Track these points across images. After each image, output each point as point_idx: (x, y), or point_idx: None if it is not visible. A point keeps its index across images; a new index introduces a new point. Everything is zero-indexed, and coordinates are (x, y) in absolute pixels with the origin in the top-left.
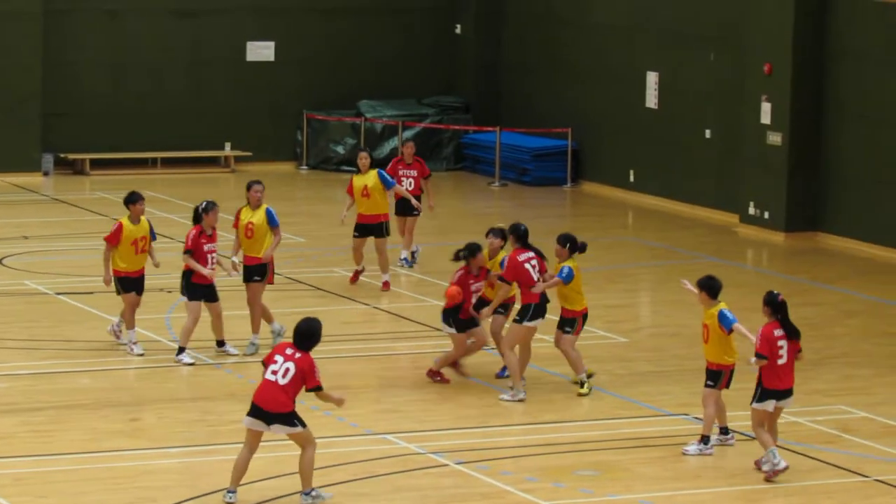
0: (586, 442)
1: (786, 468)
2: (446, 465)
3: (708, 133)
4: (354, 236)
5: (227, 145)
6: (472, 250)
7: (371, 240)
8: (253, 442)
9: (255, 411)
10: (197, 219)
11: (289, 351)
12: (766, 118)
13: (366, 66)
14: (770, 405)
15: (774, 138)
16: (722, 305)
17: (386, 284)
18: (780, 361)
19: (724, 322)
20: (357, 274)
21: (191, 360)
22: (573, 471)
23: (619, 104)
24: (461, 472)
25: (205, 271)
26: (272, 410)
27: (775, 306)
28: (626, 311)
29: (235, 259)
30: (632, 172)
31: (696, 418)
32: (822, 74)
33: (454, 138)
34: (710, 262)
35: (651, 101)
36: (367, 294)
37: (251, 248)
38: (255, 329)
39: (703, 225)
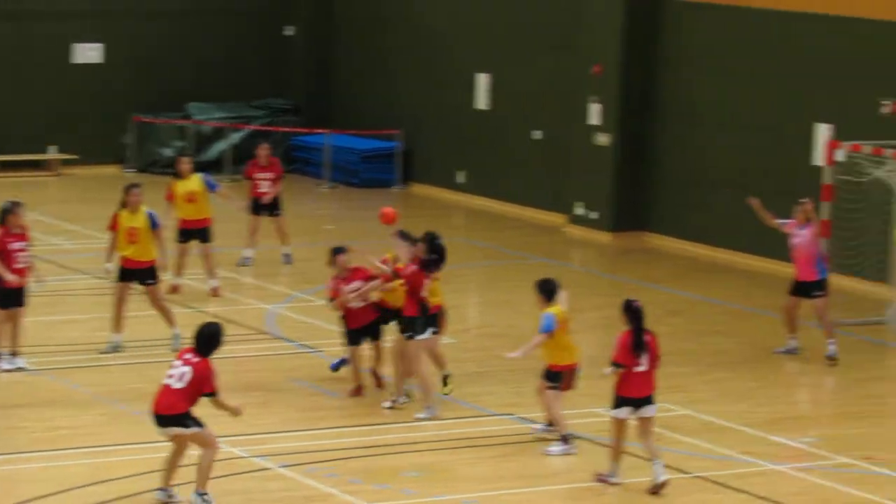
0: (411, 443)
1: (664, 483)
2: (270, 468)
3: (537, 134)
4: (178, 241)
5: (53, 148)
6: (334, 252)
7: (195, 244)
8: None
9: (153, 418)
10: (2, 220)
11: (188, 356)
12: (594, 119)
13: (195, 69)
14: (623, 412)
15: (602, 139)
16: (552, 309)
17: (215, 290)
18: (638, 369)
19: (541, 326)
20: (175, 288)
21: (10, 367)
22: (398, 472)
23: (449, 106)
24: (286, 476)
25: (9, 276)
26: (164, 413)
27: (630, 313)
28: (454, 312)
29: (109, 266)
30: (461, 174)
31: (522, 418)
32: (650, 77)
33: (284, 140)
34: (539, 263)
35: (481, 102)
36: (194, 298)
37: (138, 252)
38: (173, 323)
39: (531, 225)
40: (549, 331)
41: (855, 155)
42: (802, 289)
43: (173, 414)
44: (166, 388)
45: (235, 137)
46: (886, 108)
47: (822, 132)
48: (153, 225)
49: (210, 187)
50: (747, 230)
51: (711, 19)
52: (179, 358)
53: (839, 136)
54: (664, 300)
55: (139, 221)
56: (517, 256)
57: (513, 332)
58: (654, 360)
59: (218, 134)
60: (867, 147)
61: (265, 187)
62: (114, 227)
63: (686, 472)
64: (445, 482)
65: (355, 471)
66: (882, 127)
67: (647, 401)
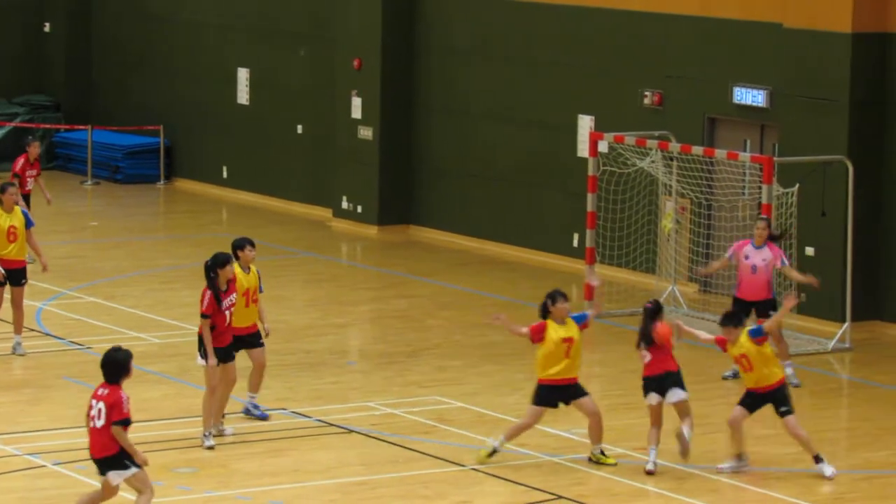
0: (184, 439)
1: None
2: (44, 465)
3: (300, 128)
4: None
5: None
6: (220, 262)
7: None
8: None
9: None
10: None
11: (100, 391)
12: (356, 113)
13: None
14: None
15: (365, 133)
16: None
17: None
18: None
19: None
20: None
21: None
22: (171, 468)
23: (212, 101)
24: (59, 473)
25: None
26: (99, 457)
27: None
28: None
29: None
30: (225, 169)
31: (294, 412)
32: (410, 69)
33: (46, 137)
34: (306, 258)
35: (242, 97)
36: None
37: (18, 251)
38: (20, 330)
39: (298, 220)
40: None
41: (618, 146)
42: (755, 309)
43: (109, 455)
44: (92, 430)
45: None
46: (647, 98)
47: (585, 123)
48: (28, 223)
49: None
50: (513, 223)
51: (473, 9)
52: (94, 397)
53: (602, 128)
54: (433, 293)
55: (18, 220)
56: (284, 251)
57: (282, 326)
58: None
59: None
60: (630, 138)
61: (31, 185)
62: None
63: (462, 465)
64: (219, 477)
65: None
66: (643, 118)
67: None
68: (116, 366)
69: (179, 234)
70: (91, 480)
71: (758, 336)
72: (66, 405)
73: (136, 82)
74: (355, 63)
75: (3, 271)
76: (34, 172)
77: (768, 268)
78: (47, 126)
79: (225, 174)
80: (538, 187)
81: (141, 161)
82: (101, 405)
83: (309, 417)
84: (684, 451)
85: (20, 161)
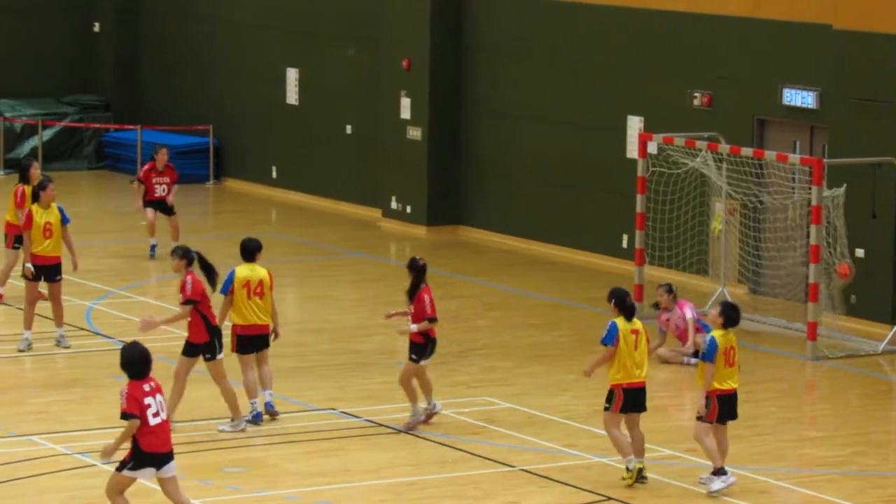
0: (233, 439)
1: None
2: (94, 464)
3: (349, 128)
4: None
5: None
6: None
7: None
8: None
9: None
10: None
11: (151, 385)
12: (405, 113)
13: (4, 65)
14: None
15: (414, 133)
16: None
17: None
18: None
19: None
20: None
21: None
22: (220, 468)
23: (261, 101)
24: (109, 472)
25: None
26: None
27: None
28: None
29: (30, 265)
30: (274, 169)
31: (344, 412)
32: (459, 70)
33: (95, 137)
34: (355, 258)
35: (291, 97)
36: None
37: (53, 248)
38: (61, 323)
39: (347, 220)
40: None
41: (667, 147)
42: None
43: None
44: (165, 423)
45: (47, 134)
46: (697, 99)
47: (634, 124)
48: (64, 220)
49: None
50: (561, 223)
51: (522, 9)
52: (150, 393)
53: (651, 129)
54: (480, 293)
55: (54, 216)
56: (333, 251)
57: (330, 326)
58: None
59: (29, 130)
60: (679, 139)
61: (161, 192)
62: (28, 224)
63: (511, 466)
64: (268, 478)
65: (178, 466)
66: (692, 119)
67: None
68: (128, 361)
69: (228, 233)
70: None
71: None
72: (115, 404)
73: (185, 82)
74: (404, 63)
75: (30, 267)
76: (165, 180)
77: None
78: (97, 126)
79: (274, 174)
80: (587, 188)
81: (190, 161)
82: (160, 398)
83: (358, 417)
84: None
85: (146, 168)
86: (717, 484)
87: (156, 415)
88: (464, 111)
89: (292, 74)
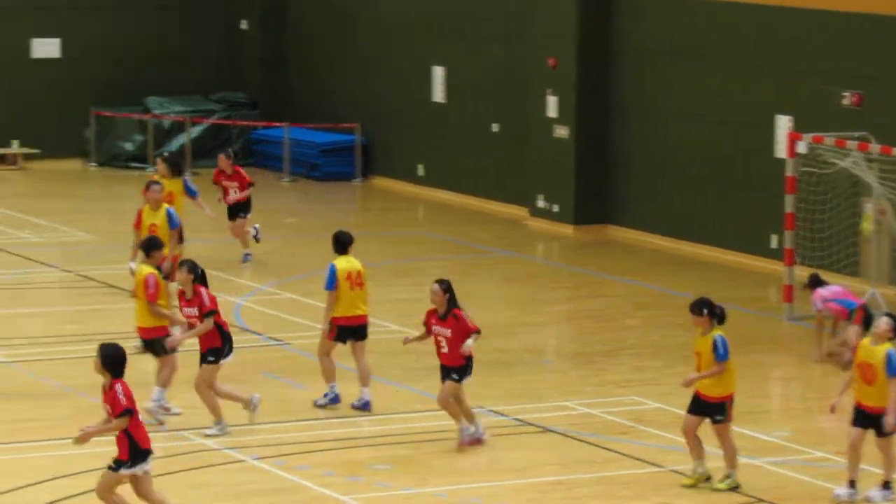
0: (381, 436)
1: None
2: (243, 460)
3: (495, 127)
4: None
5: (15, 143)
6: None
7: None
8: None
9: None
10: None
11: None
12: (552, 112)
13: (153, 62)
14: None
15: (561, 132)
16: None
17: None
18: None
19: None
20: None
21: None
22: (369, 465)
23: (407, 98)
24: (258, 468)
25: None
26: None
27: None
28: (416, 305)
29: (133, 265)
30: (421, 167)
31: (492, 410)
32: (606, 67)
33: (242, 134)
34: (502, 256)
35: (438, 95)
36: None
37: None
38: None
39: (494, 219)
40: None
41: (817, 146)
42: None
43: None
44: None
45: (195, 131)
46: (846, 98)
47: (784, 124)
48: (171, 223)
49: (190, 192)
50: (709, 222)
51: (669, 9)
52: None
53: (800, 128)
54: (629, 292)
55: (160, 219)
56: (480, 250)
57: (478, 324)
58: None
59: (177, 128)
60: (829, 139)
61: (234, 194)
62: (137, 224)
63: (660, 466)
64: (416, 475)
65: (327, 463)
66: (842, 118)
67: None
68: (107, 360)
69: (376, 231)
70: (287, 475)
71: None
72: (265, 401)
73: (333, 80)
74: (551, 62)
75: (134, 266)
76: (234, 184)
77: None
78: (244, 123)
79: (420, 172)
80: (734, 187)
81: (337, 158)
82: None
83: (505, 416)
84: None
85: (215, 172)
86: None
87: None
88: (611, 109)
89: (439, 72)
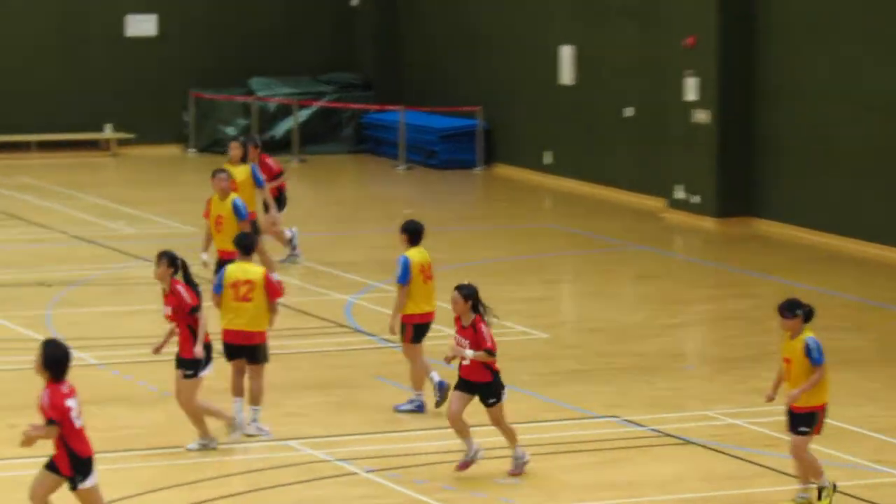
0: (506, 447)
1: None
2: (356, 473)
3: (629, 111)
4: None
5: (108, 127)
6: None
7: None
8: None
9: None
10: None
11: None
12: (691, 94)
13: (256, 41)
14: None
15: (701, 116)
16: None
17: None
18: None
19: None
20: None
21: None
22: (493, 479)
23: (533, 80)
24: (372, 481)
25: None
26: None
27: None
28: (545, 305)
29: (205, 256)
30: (548, 154)
31: (627, 420)
32: (749, 47)
33: (354, 118)
34: (636, 251)
35: (566, 77)
36: None
37: (222, 242)
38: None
39: (626, 210)
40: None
41: None
42: None
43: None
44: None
45: (303, 115)
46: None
47: None
48: (238, 215)
49: (257, 181)
50: (867, 216)
51: None
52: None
53: None
54: (777, 292)
55: (226, 209)
56: (612, 244)
57: (611, 325)
58: None
59: (284, 111)
60: None
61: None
62: (207, 213)
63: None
64: (545, 490)
65: (447, 477)
66: None
67: None
68: (49, 361)
69: (499, 224)
70: (404, 489)
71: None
72: (379, 408)
73: (451, 60)
74: (689, 40)
75: (206, 258)
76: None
77: None
78: (356, 106)
79: (547, 160)
80: (893, 178)
81: (457, 145)
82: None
83: (642, 427)
84: None
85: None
86: None
87: (78, 417)
88: (756, 90)
89: (567, 52)
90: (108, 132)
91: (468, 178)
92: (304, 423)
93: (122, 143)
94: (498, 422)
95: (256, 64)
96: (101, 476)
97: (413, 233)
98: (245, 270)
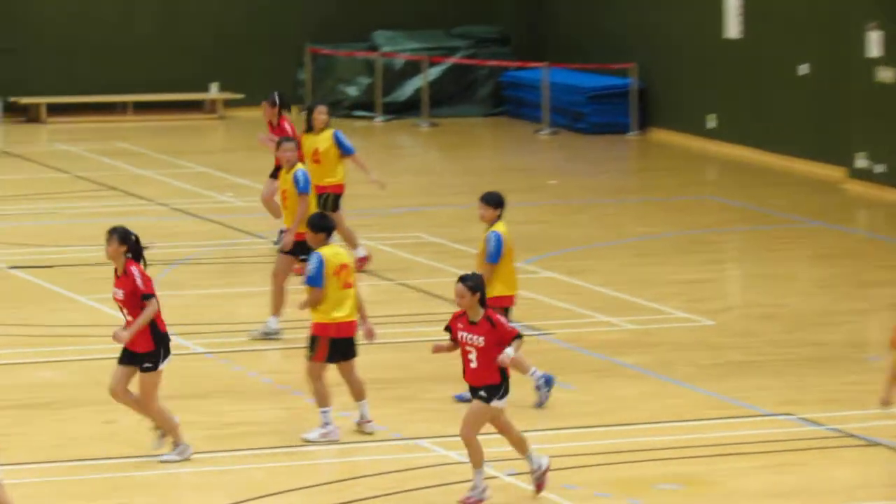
0: (667, 448)
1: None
2: (496, 476)
3: (804, 68)
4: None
5: (214, 87)
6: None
7: None
8: None
9: None
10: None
11: None
12: (875, 50)
13: None
14: None
15: (887, 75)
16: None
17: (362, 260)
18: None
19: None
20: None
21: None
22: (652, 484)
23: (694, 34)
24: (514, 486)
25: None
26: None
27: None
28: (710, 288)
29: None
30: (711, 117)
31: (803, 419)
32: None
33: (492, 77)
34: (812, 227)
35: (732, 30)
36: (390, 266)
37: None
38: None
39: (800, 181)
40: None
41: None
42: None
43: None
44: None
45: (433, 73)
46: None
47: None
48: (299, 187)
49: (344, 149)
50: None
51: None
52: None
53: None
54: None
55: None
56: (785, 220)
57: (784, 312)
58: None
59: (411, 68)
60: None
61: None
62: (301, 156)
63: None
64: (712, 497)
65: (599, 481)
66: None
67: None
68: None
69: (656, 196)
70: (551, 496)
71: None
72: (524, 404)
73: (601, 11)
74: None
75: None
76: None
77: None
78: (493, 63)
79: (711, 124)
80: None
81: (608, 107)
82: None
83: (822, 426)
84: None
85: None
86: None
87: None
88: None
89: (733, 1)
90: (213, 92)
91: (621, 144)
92: (437, 421)
93: (230, 104)
94: (504, 427)
95: (381, 16)
96: (207, 478)
97: (498, 203)
98: (337, 254)
